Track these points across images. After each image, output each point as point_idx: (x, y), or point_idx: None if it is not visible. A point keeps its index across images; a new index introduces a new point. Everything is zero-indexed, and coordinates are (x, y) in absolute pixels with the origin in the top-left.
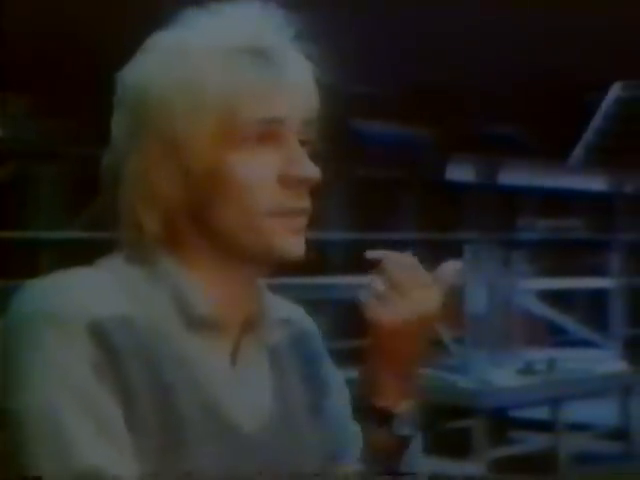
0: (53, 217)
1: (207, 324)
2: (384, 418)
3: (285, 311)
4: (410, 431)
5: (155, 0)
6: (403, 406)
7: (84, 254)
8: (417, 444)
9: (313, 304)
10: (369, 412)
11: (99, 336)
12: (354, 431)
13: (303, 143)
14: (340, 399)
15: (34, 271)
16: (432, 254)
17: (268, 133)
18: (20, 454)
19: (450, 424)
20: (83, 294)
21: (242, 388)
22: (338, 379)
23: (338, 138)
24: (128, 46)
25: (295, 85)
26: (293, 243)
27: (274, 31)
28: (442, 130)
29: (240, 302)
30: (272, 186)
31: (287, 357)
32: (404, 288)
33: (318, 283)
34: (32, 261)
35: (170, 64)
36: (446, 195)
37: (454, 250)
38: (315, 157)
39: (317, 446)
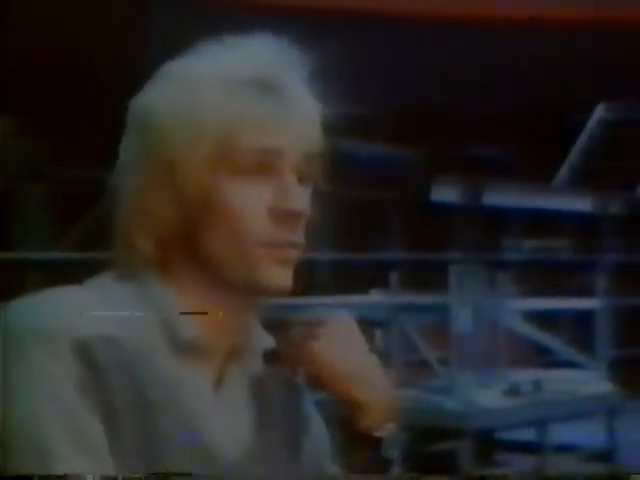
0: (39, 238)
1: (193, 349)
2: (368, 441)
3: (269, 342)
4: (395, 454)
5: (138, 22)
6: (387, 428)
7: (70, 275)
8: (397, 467)
9: None
10: (353, 434)
11: (84, 354)
12: (331, 473)
13: (301, 177)
14: (320, 438)
15: (20, 292)
16: (418, 275)
17: (264, 164)
18: (4, 467)
19: (436, 446)
20: (70, 312)
21: (224, 415)
22: (319, 418)
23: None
24: (116, 69)
25: (297, 119)
26: (279, 275)
27: (283, 66)
28: (428, 151)
29: (227, 329)
30: (263, 217)
31: (270, 389)
32: (317, 323)
33: (302, 303)
34: (18, 282)
35: (174, 90)
36: (432, 216)
37: (440, 271)
38: (316, 192)
39: (296, 477)
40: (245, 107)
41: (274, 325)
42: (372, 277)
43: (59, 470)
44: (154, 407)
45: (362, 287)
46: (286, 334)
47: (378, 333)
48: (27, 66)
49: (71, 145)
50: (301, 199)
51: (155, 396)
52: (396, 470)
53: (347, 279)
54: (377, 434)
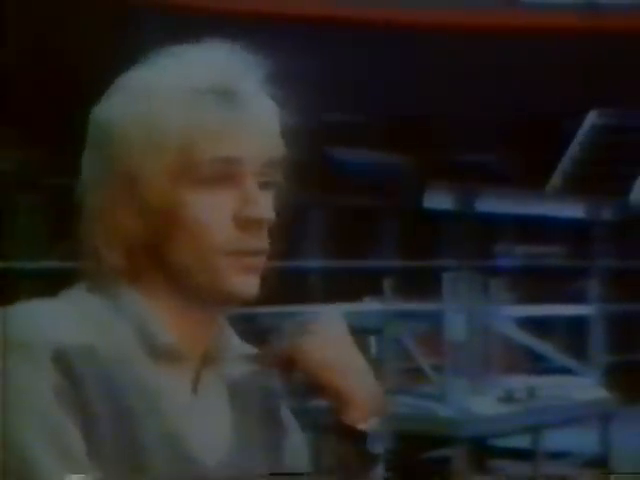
0: (32, 247)
1: (168, 353)
2: (353, 435)
3: (245, 349)
4: (380, 448)
5: (133, 35)
6: (372, 423)
7: (63, 284)
8: (381, 465)
9: None
10: (338, 429)
11: (62, 363)
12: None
13: (264, 184)
14: (298, 443)
15: (13, 302)
16: (411, 282)
17: (225, 173)
18: None
19: (430, 453)
20: (47, 323)
21: (202, 420)
22: (296, 424)
23: (315, 167)
24: (105, 79)
25: (256, 126)
26: (245, 283)
27: (239, 73)
28: (420, 158)
29: (199, 335)
30: (227, 226)
31: (247, 393)
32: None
33: (296, 311)
34: (11, 291)
35: (132, 103)
36: (424, 223)
37: (433, 278)
38: (279, 198)
39: None
40: (204, 117)
41: (264, 330)
42: (366, 284)
43: None
44: (133, 414)
45: (356, 294)
46: (276, 334)
47: (372, 340)
48: (20, 78)
49: (64, 155)
50: (264, 206)
51: (134, 403)
52: (381, 466)
53: (340, 287)
54: (362, 428)
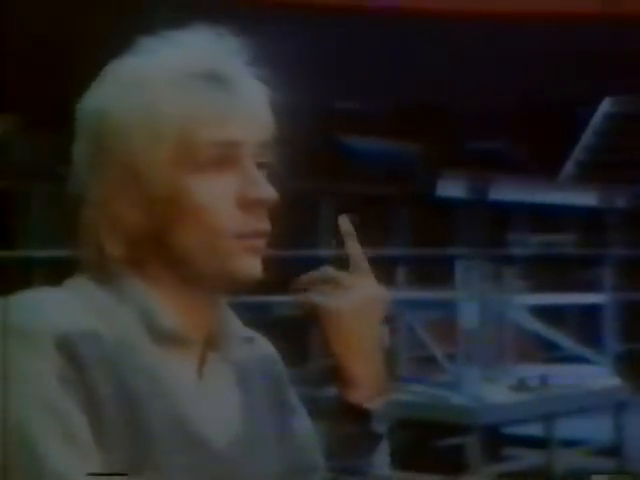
0: (44, 236)
1: (172, 337)
2: (358, 414)
3: (248, 331)
4: (384, 428)
5: (143, 19)
6: (376, 402)
7: (75, 273)
8: (386, 446)
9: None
10: (343, 407)
11: (66, 349)
12: (318, 458)
13: (260, 165)
14: (306, 426)
15: (24, 290)
16: (424, 270)
17: (224, 156)
18: None
19: (443, 441)
20: (51, 310)
21: (209, 402)
22: (302, 408)
23: (328, 155)
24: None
25: (249, 108)
26: (251, 264)
27: (227, 56)
28: (433, 146)
29: (202, 319)
30: (230, 209)
31: (253, 374)
32: (348, 281)
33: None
34: (25, 280)
35: (125, 92)
36: (437, 211)
37: (446, 266)
38: (272, 178)
39: (284, 463)
40: (199, 102)
41: (277, 320)
42: (379, 273)
43: (46, 468)
44: (139, 399)
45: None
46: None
47: (385, 329)
48: (30, 64)
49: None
50: (266, 186)
51: (139, 388)
52: (385, 446)
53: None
54: (367, 407)
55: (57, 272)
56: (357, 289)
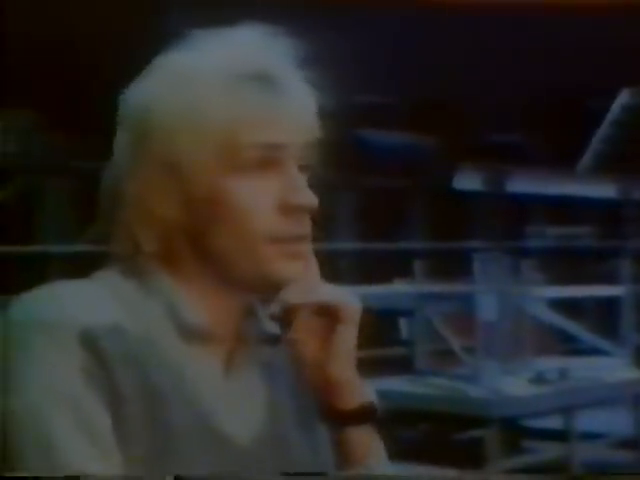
0: (61, 231)
1: (199, 334)
2: (345, 418)
3: (276, 329)
4: (370, 430)
5: (160, 18)
6: (362, 405)
7: (93, 267)
8: (380, 447)
9: None
10: (330, 414)
11: (89, 342)
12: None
13: (303, 168)
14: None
15: (42, 285)
16: (442, 263)
17: (268, 159)
18: (10, 457)
19: (462, 434)
20: (75, 303)
21: (234, 400)
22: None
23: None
24: (133, 62)
25: (296, 111)
26: (290, 269)
27: (276, 57)
28: (450, 139)
29: (233, 316)
30: (270, 213)
31: (279, 373)
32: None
33: None
34: (41, 275)
35: (173, 87)
36: (455, 204)
37: (464, 259)
38: (315, 182)
39: (308, 462)
40: (246, 102)
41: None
42: (396, 266)
43: (66, 463)
44: (163, 395)
45: (386, 276)
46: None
47: (403, 322)
48: (49, 61)
49: (93, 139)
50: (308, 192)
51: (164, 384)
52: (377, 450)
53: (371, 268)
54: (355, 407)
55: (73, 267)
56: (338, 306)
